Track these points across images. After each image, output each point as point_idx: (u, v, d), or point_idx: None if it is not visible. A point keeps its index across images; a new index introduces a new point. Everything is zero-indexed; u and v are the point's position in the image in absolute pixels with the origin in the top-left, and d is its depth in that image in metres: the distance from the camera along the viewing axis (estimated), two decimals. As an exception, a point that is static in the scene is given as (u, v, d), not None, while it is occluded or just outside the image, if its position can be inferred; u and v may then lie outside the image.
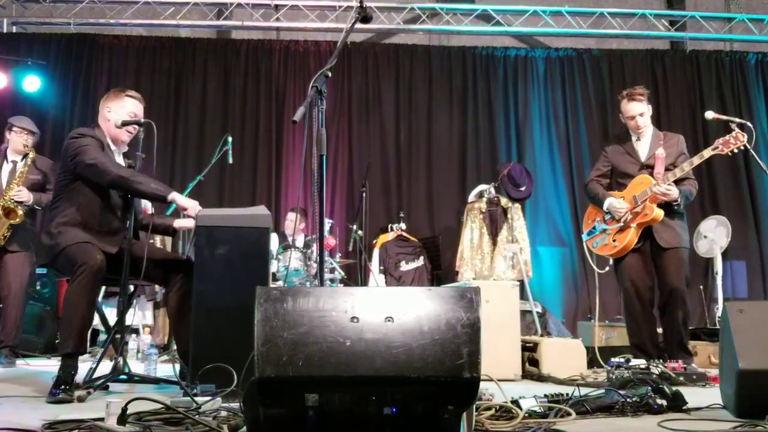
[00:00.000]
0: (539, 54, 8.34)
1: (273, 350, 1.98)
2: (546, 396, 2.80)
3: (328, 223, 6.38)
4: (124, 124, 3.48)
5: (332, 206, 7.70)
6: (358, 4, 2.97)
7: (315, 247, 6.61)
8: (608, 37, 8.48)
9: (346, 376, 1.97)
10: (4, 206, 4.65)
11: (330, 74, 2.78)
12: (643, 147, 4.40)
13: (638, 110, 4.35)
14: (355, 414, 2.00)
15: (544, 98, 8.19)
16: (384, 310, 2.06)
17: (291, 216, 7.12)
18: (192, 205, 3.26)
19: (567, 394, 2.82)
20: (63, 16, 8.01)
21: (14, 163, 4.92)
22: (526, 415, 2.46)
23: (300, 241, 6.72)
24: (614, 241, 4.34)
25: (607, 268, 4.52)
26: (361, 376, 1.97)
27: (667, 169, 4.24)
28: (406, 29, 8.33)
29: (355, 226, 6.92)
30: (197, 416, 2.14)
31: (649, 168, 4.30)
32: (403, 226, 7.23)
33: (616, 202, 4.36)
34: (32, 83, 7.27)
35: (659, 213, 4.18)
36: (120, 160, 3.50)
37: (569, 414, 2.53)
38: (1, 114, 6.58)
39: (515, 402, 2.54)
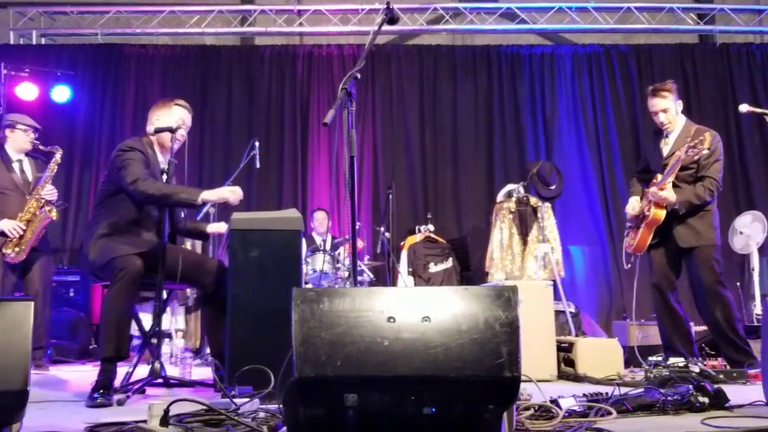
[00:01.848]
0: (566, 51, 8.26)
1: (311, 350, 1.98)
2: (585, 395, 2.76)
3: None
4: (157, 131, 3.52)
5: (358, 208, 7.71)
6: (386, 6, 2.97)
7: (343, 250, 6.63)
8: (636, 32, 8.38)
9: (385, 375, 1.96)
10: (46, 203, 4.68)
11: (359, 76, 2.78)
12: (668, 144, 4.32)
13: (660, 106, 4.24)
14: (394, 414, 1.99)
15: (571, 96, 8.10)
16: (420, 310, 2.05)
17: (319, 215, 7.13)
18: (225, 193, 3.32)
19: (606, 393, 2.78)
20: (90, 27, 8.12)
21: (20, 162, 4.89)
22: (566, 414, 2.43)
23: (327, 243, 6.74)
24: (632, 239, 4.35)
25: (628, 266, 4.45)
26: (400, 375, 1.96)
27: (687, 168, 4.14)
28: (430, 30, 8.31)
29: (382, 228, 6.92)
30: (237, 417, 2.14)
31: (666, 167, 4.22)
32: (431, 227, 7.21)
33: (632, 202, 4.42)
34: (62, 93, 7.36)
35: (659, 214, 4.11)
36: (165, 166, 3.55)
37: (610, 413, 2.49)
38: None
39: (554, 401, 2.51)
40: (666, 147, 4.30)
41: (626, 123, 8.05)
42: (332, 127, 2.70)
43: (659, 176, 4.19)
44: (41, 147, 4.87)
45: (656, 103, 4.26)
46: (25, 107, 7.20)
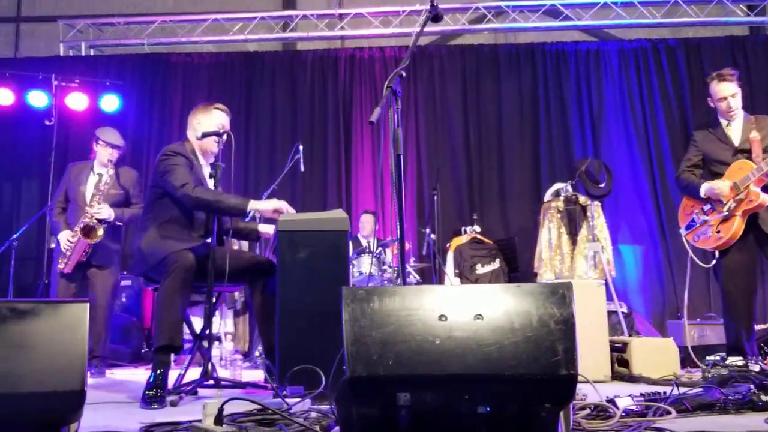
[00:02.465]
0: (612, 47, 8.10)
1: (362, 349, 1.96)
2: (642, 395, 2.69)
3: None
4: (204, 135, 3.57)
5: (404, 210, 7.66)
6: (430, 4, 2.95)
7: (389, 252, 6.61)
8: (684, 26, 8.18)
9: (437, 374, 1.93)
10: (85, 226, 4.69)
11: (404, 74, 2.76)
12: (735, 131, 4.17)
13: (730, 91, 4.12)
14: (448, 413, 1.96)
15: (619, 92, 7.94)
16: (472, 308, 2.02)
17: (365, 218, 7.13)
18: (276, 206, 3.37)
19: (664, 393, 2.70)
20: (137, 37, 8.29)
21: (100, 175, 4.96)
22: (624, 414, 2.37)
23: (372, 245, 6.73)
24: (718, 232, 4.07)
25: (714, 261, 4.19)
26: (453, 374, 1.93)
27: (764, 151, 4.02)
28: (472, 29, 8.25)
29: (427, 230, 6.88)
30: (289, 417, 2.14)
31: (744, 153, 4.07)
32: (477, 228, 7.15)
33: (722, 187, 4.05)
34: (111, 103, 7.52)
35: (766, 198, 3.94)
36: (207, 171, 3.59)
37: (669, 412, 2.42)
38: (83, 135, 6.83)
39: (611, 401, 2.45)
40: (735, 134, 4.17)
41: (676, 118, 7.84)
42: (377, 128, 2.69)
43: (746, 161, 4.02)
44: (112, 164, 4.96)
45: (724, 88, 4.15)
46: (75, 117, 7.42)
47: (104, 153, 4.96)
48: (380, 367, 1.94)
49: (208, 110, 3.66)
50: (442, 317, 2.01)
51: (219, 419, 1.89)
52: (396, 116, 2.68)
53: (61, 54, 8.28)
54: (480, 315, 2.01)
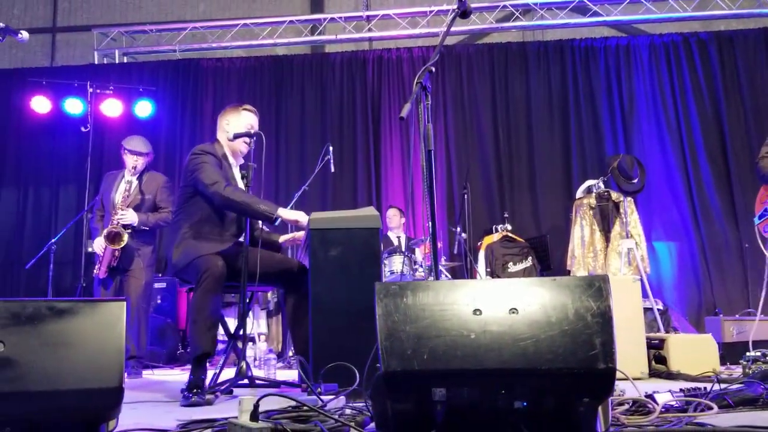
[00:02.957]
0: (642, 41, 7.98)
1: (396, 344, 1.95)
2: (682, 391, 2.64)
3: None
4: (236, 136, 3.60)
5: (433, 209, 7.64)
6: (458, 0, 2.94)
7: (419, 251, 6.60)
8: (716, 18, 8.03)
9: (473, 369, 1.92)
10: (109, 233, 4.77)
11: (434, 69, 2.74)
12: None
13: None
14: (484, 409, 1.94)
15: (650, 87, 7.82)
16: (507, 302, 2.01)
17: (391, 212, 7.12)
18: (299, 216, 3.38)
19: (704, 389, 2.65)
20: (169, 44, 8.42)
21: (129, 183, 5.06)
22: (663, 410, 2.32)
23: (402, 241, 6.72)
24: None
25: None
26: (489, 369, 1.91)
27: None
28: (500, 27, 8.19)
29: (458, 229, 6.85)
30: (325, 413, 2.13)
31: None
32: (508, 226, 7.09)
33: None
34: (144, 109, 7.64)
35: None
36: (236, 171, 3.61)
37: (710, 407, 2.36)
38: (118, 140, 6.94)
39: (650, 396, 2.40)
40: None
41: (709, 113, 7.71)
42: (406, 126, 2.69)
43: None
44: (136, 171, 5.06)
45: None
46: (110, 123, 7.55)
47: (130, 161, 5.06)
48: (415, 361, 1.93)
49: (237, 111, 3.68)
50: (476, 311, 2.00)
51: (255, 415, 1.89)
52: (426, 112, 2.66)
53: (96, 62, 8.44)
54: (515, 309, 1.99)
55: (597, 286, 2.01)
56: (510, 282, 2.10)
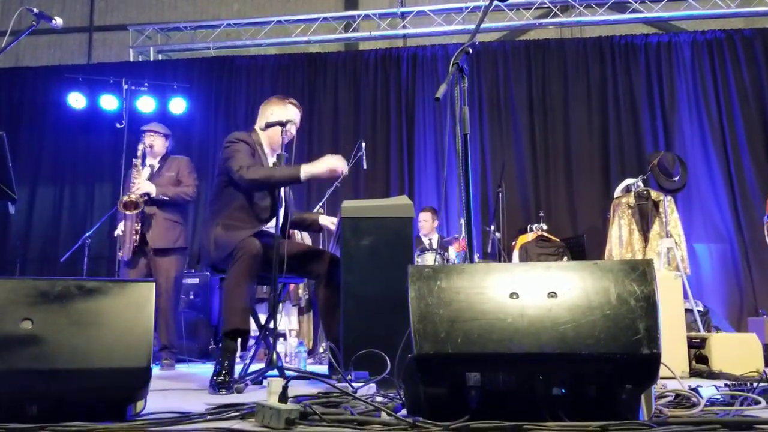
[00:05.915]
0: (684, 39, 7.79)
1: (430, 327, 1.89)
2: (727, 386, 2.52)
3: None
4: (268, 125, 3.56)
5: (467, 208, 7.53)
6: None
7: (452, 249, 6.50)
8: (760, 15, 7.81)
9: (509, 353, 1.84)
10: (126, 201, 4.75)
11: (471, 51, 2.68)
12: None
13: None
14: (521, 395, 1.86)
15: (692, 85, 7.61)
16: (545, 286, 1.93)
17: (424, 216, 7.01)
18: (330, 165, 3.29)
19: (750, 384, 2.53)
20: (203, 41, 8.47)
21: (152, 167, 5.06)
22: (708, 404, 2.21)
23: (434, 242, 6.63)
24: None
25: None
26: (526, 353, 1.84)
27: None
28: (538, 24, 8.07)
29: (492, 227, 6.75)
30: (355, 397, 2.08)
31: None
32: (543, 226, 6.96)
33: None
34: (178, 106, 7.69)
35: None
36: (272, 162, 3.58)
37: (758, 402, 2.24)
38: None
39: (694, 390, 2.29)
40: None
41: (754, 112, 7.48)
42: (440, 120, 2.61)
43: None
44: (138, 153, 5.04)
45: None
46: (144, 120, 7.59)
47: (147, 140, 5.04)
48: (448, 345, 1.86)
49: (284, 103, 3.66)
50: (513, 295, 1.93)
51: (283, 397, 1.84)
52: (462, 94, 2.59)
53: (131, 59, 8.52)
54: (554, 293, 1.91)
55: (641, 270, 1.92)
56: (548, 266, 2.02)
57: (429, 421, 1.78)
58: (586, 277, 1.93)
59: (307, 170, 3.28)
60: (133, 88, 7.32)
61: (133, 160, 4.97)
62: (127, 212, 4.76)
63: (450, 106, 2.66)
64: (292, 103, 3.70)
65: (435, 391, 1.88)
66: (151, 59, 8.59)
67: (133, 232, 4.80)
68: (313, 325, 6.33)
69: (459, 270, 2.01)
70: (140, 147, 5.02)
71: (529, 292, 1.93)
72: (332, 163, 3.30)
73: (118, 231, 4.97)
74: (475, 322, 1.89)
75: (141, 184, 4.82)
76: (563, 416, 1.80)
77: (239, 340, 3.23)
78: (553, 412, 1.82)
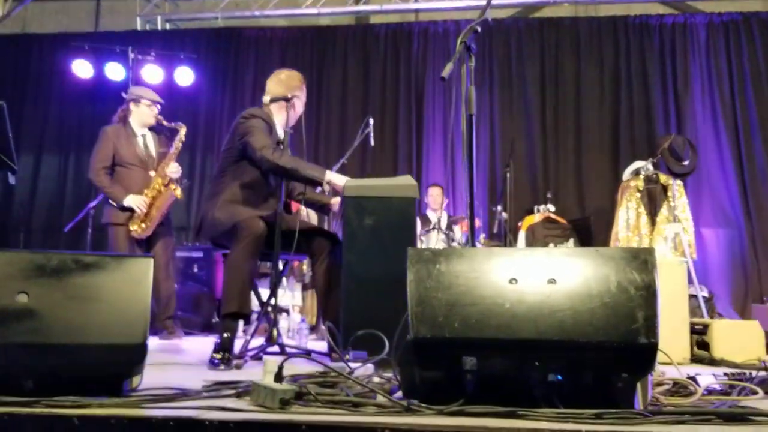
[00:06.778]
0: (700, 20, 7.64)
1: (428, 310, 1.88)
2: (726, 374, 2.51)
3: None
4: (272, 100, 3.53)
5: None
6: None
7: (458, 229, 6.48)
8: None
9: (506, 338, 1.84)
10: (161, 185, 4.71)
11: (479, 29, 2.63)
12: None
13: None
14: (517, 380, 1.86)
15: (706, 68, 7.48)
16: (545, 272, 1.92)
17: (433, 191, 6.97)
18: (344, 184, 3.25)
19: (749, 373, 2.51)
20: (211, 11, 8.35)
21: (143, 137, 4.90)
22: (705, 392, 2.20)
23: (443, 221, 6.60)
24: None
25: None
26: (523, 339, 1.83)
27: None
28: (552, 1, 7.93)
29: (499, 208, 6.71)
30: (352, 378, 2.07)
31: None
32: (551, 207, 6.91)
33: None
34: (185, 76, 7.63)
35: None
36: (281, 133, 3.55)
37: (755, 392, 2.23)
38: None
39: (692, 378, 2.28)
40: None
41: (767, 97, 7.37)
42: (449, 98, 2.57)
43: None
44: (165, 122, 4.89)
45: None
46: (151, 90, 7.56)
47: (149, 112, 4.88)
48: (446, 329, 1.85)
49: (290, 77, 3.62)
50: (512, 281, 1.91)
51: (279, 376, 1.84)
52: (469, 74, 2.55)
53: (138, 28, 8.45)
54: (553, 279, 1.90)
55: (642, 259, 1.90)
56: (549, 251, 2.00)
57: (423, 404, 1.77)
58: (586, 264, 1.91)
59: (330, 178, 3.23)
60: (139, 57, 7.25)
61: (177, 143, 4.83)
62: (176, 195, 4.71)
63: (456, 85, 2.62)
64: (298, 77, 3.66)
65: (431, 375, 1.87)
66: (159, 28, 8.51)
67: (164, 212, 4.76)
68: (317, 301, 6.33)
69: (459, 254, 1.99)
70: (160, 119, 4.90)
71: (529, 277, 1.92)
72: (344, 185, 3.22)
73: (132, 203, 4.68)
74: (473, 307, 1.88)
75: (175, 169, 4.78)
76: (558, 403, 1.79)
77: (240, 320, 3.23)
78: (549, 398, 1.81)
